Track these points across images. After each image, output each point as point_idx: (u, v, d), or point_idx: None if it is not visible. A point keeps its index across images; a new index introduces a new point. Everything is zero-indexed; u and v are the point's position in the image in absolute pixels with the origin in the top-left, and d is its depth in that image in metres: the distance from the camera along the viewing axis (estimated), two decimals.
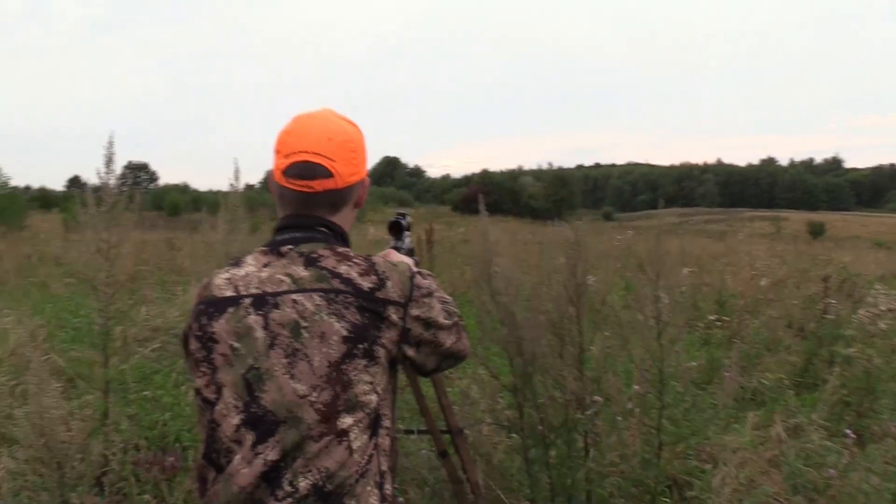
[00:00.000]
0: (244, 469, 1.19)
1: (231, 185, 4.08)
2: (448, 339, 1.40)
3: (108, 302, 3.28)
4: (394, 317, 1.29)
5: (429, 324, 1.35)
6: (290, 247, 1.31)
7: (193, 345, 1.30)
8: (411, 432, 2.77)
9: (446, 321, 1.40)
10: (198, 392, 1.29)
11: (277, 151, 1.36)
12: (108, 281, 3.29)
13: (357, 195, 1.43)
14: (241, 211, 4.02)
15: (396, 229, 2.00)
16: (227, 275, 1.32)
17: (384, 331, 1.27)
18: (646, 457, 2.81)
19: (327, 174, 1.33)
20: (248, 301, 1.27)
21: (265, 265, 1.30)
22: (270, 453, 1.19)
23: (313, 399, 1.20)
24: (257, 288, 1.27)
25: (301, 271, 1.27)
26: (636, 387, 2.98)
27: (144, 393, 3.85)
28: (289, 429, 1.20)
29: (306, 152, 1.32)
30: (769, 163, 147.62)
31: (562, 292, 2.91)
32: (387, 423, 1.30)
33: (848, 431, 3.31)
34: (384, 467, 1.28)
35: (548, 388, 2.90)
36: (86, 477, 1.94)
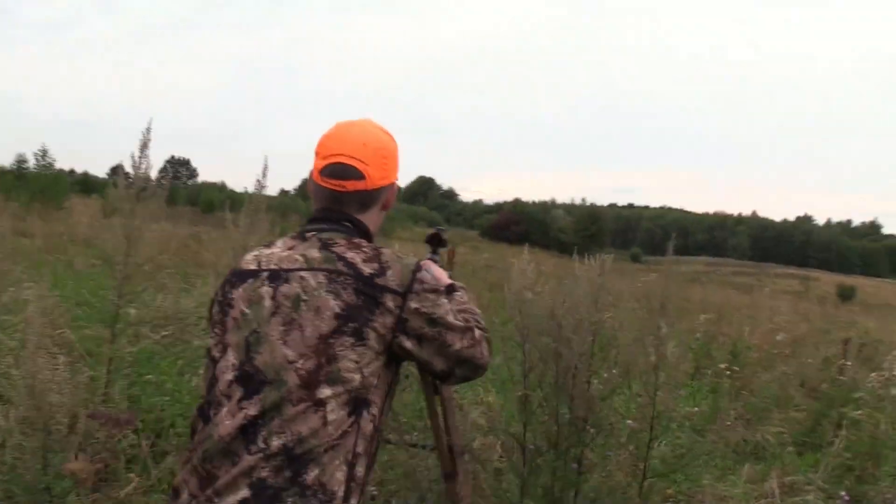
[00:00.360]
0: (227, 421, 1.29)
1: (257, 181, 4.12)
2: (457, 342, 1.41)
3: (123, 281, 3.36)
4: (390, 304, 1.34)
5: (433, 320, 1.38)
6: (313, 233, 1.44)
7: (215, 308, 1.44)
8: (423, 447, 2.78)
9: (456, 322, 1.42)
10: (208, 351, 1.41)
11: (317, 153, 1.49)
12: (127, 261, 3.36)
13: (385, 198, 1.54)
14: (263, 210, 4.07)
15: (435, 242, 2.03)
16: (256, 252, 1.46)
17: (378, 315, 1.33)
18: (631, 491, 2.79)
19: (359, 176, 1.45)
20: (265, 274, 1.39)
21: (290, 248, 1.42)
22: (252, 409, 1.28)
23: (299, 365, 1.29)
24: (276, 264, 1.39)
25: (314, 253, 1.38)
26: (629, 422, 2.97)
27: (148, 376, 3.89)
28: (272, 389, 1.28)
29: (342, 155, 1.45)
30: (805, 220, 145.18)
31: (579, 321, 2.92)
32: (374, 410, 1.34)
33: (844, 494, 3.25)
34: (360, 449, 1.31)
35: (551, 410, 2.91)
36: (72, 445, 1.97)
